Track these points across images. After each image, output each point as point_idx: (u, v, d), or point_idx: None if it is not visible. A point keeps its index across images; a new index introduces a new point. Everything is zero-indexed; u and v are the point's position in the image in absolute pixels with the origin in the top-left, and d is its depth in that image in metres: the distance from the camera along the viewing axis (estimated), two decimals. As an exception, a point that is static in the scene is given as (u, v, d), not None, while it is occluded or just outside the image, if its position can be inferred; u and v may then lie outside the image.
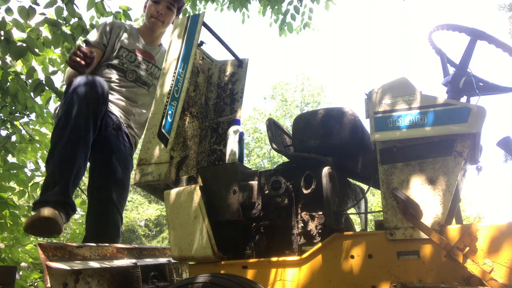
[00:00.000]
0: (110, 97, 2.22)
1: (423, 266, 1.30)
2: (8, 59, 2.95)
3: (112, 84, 2.31)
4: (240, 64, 2.24)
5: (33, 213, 1.78)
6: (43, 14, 2.78)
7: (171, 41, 1.95)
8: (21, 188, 3.40)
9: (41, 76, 3.01)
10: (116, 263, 1.63)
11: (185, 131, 1.96)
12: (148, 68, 2.43)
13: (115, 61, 2.33)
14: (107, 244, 1.72)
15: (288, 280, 1.46)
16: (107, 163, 2.19)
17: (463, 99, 1.55)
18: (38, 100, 3.19)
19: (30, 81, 3.02)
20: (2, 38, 2.64)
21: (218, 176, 1.67)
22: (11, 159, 3.45)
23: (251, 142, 17.81)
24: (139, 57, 2.41)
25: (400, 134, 1.38)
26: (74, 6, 2.86)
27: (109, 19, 2.72)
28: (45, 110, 3.28)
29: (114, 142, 2.21)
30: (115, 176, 2.19)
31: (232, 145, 1.80)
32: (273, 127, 1.77)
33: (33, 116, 3.33)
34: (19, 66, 3.19)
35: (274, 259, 1.51)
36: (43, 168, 3.57)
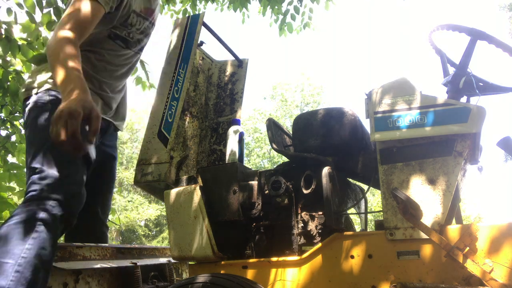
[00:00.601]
0: (106, 78, 1.80)
1: (423, 266, 1.30)
2: (9, 58, 2.95)
3: (116, 61, 1.83)
4: (240, 64, 2.24)
5: None
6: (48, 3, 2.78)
7: (171, 41, 1.94)
8: (21, 188, 3.38)
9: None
10: (116, 263, 1.63)
11: (185, 131, 1.96)
12: (147, 29, 1.92)
13: (123, 32, 1.80)
14: (107, 244, 1.72)
15: (288, 280, 1.46)
16: (95, 176, 1.75)
17: (463, 99, 1.55)
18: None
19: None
20: (3, 36, 2.64)
21: (218, 176, 1.67)
22: (11, 159, 3.45)
23: (251, 142, 17.81)
24: (146, 20, 1.88)
25: (400, 134, 1.38)
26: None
27: None
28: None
29: (104, 151, 1.88)
30: (102, 187, 1.90)
31: (232, 145, 1.80)
32: (273, 127, 1.77)
33: (33, 115, 3.32)
34: (18, 66, 3.19)
35: (274, 259, 1.51)
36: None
